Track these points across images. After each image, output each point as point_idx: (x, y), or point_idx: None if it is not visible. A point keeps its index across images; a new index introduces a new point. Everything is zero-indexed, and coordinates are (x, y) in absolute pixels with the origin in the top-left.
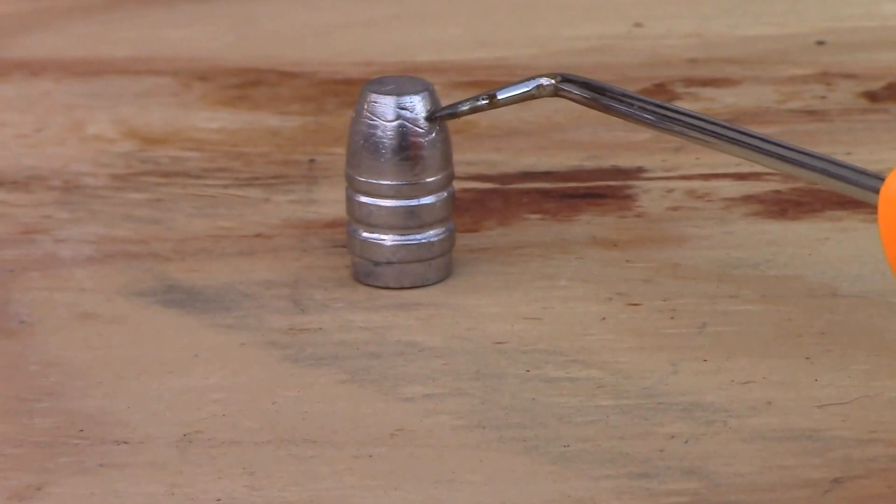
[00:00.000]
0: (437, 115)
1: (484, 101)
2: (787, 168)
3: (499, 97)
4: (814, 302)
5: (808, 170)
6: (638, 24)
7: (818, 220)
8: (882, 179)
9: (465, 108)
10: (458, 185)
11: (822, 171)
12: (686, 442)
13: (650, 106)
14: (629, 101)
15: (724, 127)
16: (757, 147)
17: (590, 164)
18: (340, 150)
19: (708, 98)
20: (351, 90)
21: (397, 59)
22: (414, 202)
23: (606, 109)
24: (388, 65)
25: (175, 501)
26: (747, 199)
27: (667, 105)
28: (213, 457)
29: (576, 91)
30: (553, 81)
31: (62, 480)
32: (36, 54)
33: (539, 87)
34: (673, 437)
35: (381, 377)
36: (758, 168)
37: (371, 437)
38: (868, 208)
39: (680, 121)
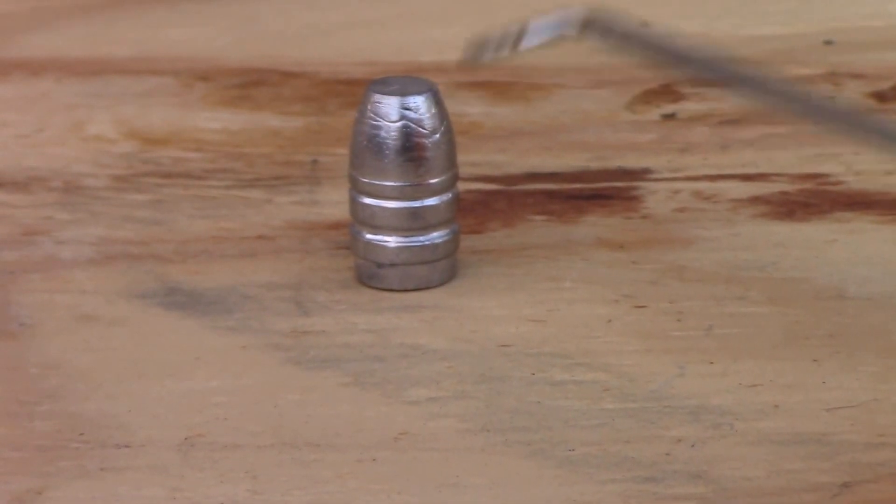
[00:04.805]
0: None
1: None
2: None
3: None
4: (821, 304)
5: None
6: (643, 24)
7: (826, 221)
8: None
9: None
10: (462, 186)
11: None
12: (693, 445)
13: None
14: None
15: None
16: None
17: (595, 165)
18: (343, 151)
19: (713, 98)
20: (354, 90)
21: (401, 59)
22: (418, 203)
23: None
24: (392, 65)
25: None
26: (754, 200)
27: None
28: (215, 460)
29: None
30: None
31: (63, 484)
32: (36, 54)
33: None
34: (679, 440)
35: (385, 380)
36: (764, 169)
37: (375, 441)
38: (876, 210)
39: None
